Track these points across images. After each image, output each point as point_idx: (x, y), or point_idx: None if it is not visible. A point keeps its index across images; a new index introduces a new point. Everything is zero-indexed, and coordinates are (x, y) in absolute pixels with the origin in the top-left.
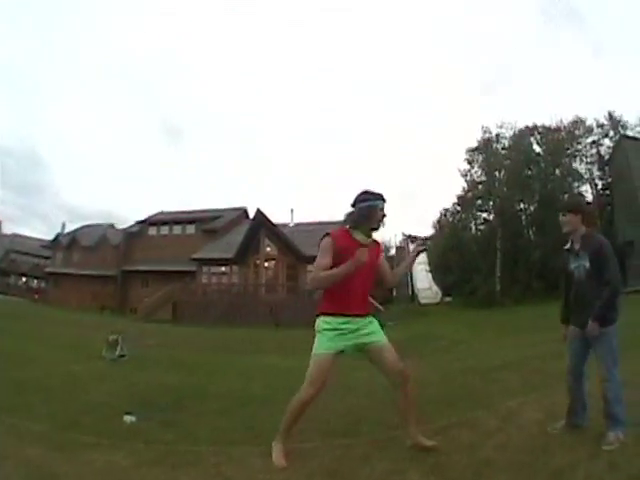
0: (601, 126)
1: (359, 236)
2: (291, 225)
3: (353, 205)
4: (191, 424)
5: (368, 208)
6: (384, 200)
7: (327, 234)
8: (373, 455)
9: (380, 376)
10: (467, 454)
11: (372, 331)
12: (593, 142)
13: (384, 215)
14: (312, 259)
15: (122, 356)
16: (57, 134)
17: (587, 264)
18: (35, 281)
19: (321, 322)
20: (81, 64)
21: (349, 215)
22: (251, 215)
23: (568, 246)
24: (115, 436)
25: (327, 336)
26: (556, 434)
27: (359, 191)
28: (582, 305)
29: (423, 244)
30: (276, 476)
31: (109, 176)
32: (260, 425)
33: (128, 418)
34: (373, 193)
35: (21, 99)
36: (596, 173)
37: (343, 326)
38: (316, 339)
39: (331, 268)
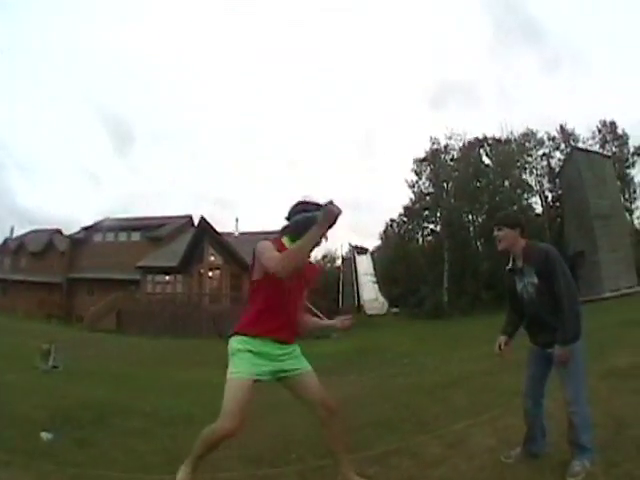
0: (552, 139)
1: None
2: (236, 234)
3: (288, 218)
4: (108, 445)
5: (305, 221)
6: (319, 209)
7: (264, 239)
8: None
9: None
10: None
11: (296, 357)
12: (544, 154)
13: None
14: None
15: (55, 367)
16: (8, 135)
17: (535, 280)
18: None
19: (235, 342)
20: (35, 63)
21: (284, 229)
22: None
23: (510, 265)
24: (29, 455)
25: (244, 358)
26: (511, 464)
27: (294, 202)
28: (540, 325)
29: (347, 323)
30: None
31: (58, 179)
32: (179, 448)
33: (45, 435)
34: (310, 203)
35: None
36: (546, 185)
37: (263, 349)
38: (230, 363)
39: (257, 286)
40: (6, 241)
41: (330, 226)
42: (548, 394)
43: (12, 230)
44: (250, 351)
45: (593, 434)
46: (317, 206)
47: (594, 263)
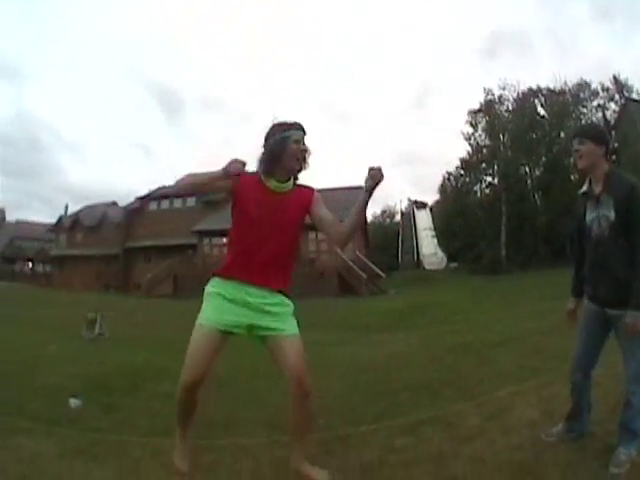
0: (606, 90)
1: (271, 183)
2: None
3: (264, 144)
4: (134, 409)
5: (277, 143)
6: (302, 129)
7: (238, 174)
8: (319, 460)
9: (364, 353)
10: (432, 468)
11: (280, 315)
12: (598, 106)
13: (304, 150)
14: (314, 226)
15: (101, 335)
16: (53, 115)
17: (611, 215)
18: (41, 266)
19: (209, 285)
20: (72, 41)
21: (260, 158)
22: None
23: (585, 189)
24: (53, 422)
25: (214, 303)
26: (550, 444)
27: (269, 125)
28: (602, 274)
29: (377, 174)
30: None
31: (110, 154)
32: (205, 410)
33: (73, 402)
34: (284, 123)
35: (11, 82)
36: None
37: (237, 295)
38: (202, 306)
39: (234, 224)
40: (60, 219)
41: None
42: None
43: (66, 208)
44: (222, 295)
45: None
46: (290, 126)
47: None
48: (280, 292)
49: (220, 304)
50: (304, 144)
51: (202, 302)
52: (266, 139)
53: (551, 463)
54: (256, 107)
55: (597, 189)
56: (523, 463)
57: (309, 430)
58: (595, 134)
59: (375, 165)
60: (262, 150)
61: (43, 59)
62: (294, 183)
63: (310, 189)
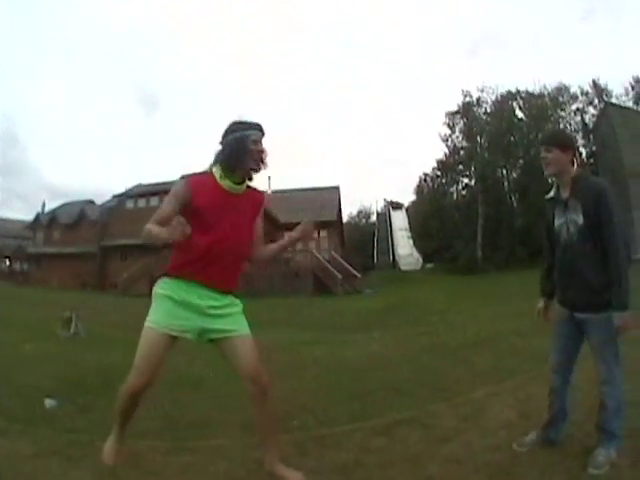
0: (586, 94)
1: (226, 183)
2: (268, 192)
3: (221, 142)
4: (109, 410)
5: (236, 141)
6: (260, 130)
7: (184, 177)
8: (292, 461)
9: (338, 353)
10: (408, 469)
11: (230, 316)
12: (577, 109)
13: (261, 151)
14: (289, 226)
15: (76, 334)
16: (31, 111)
17: (580, 219)
18: (19, 263)
19: (157, 286)
20: (52, 37)
21: (216, 156)
22: None
23: (552, 194)
24: (27, 422)
25: (163, 306)
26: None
27: (228, 123)
28: (570, 278)
29: (309, 229)
30: None
31: (87, 152)
32: (180, 414)
33: (48, 402)
34: (244, 122)
35: None
36: (580, 141)
37: (186, 297)
38: (151, 306)
39: (194, 230)
40: (38, 216)
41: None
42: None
43: (43, 205)
44: (171, 298)
45: (623, 419)
46: (249, 126)
47: (628, 222)
48: (231, 293)
49: (169, 308)
50: (262, 145)
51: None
52: (224, 137)
53: (529, 464)
54: (237, 103)
55: (565, 194)
56: (501, 464)
57: (277, 430)
58: (561, 141)
59: (309, 222)
60: (219, 148)
61: (20, 54)
62: (247, 185)
63: (261, 193)
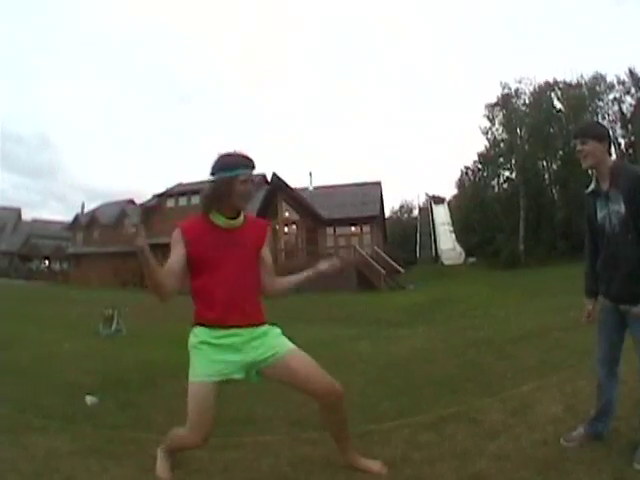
0: (622, 83)
1: (220, 220)
2: (310, 189)
3: (212, 174)
4: (150, 407)
5: (224, 183)
6: (249, 167)
7: (177, 225)
8: (338, 458)
9: (383, 348)
10: (457, 465)
11: (268, 342)
12: (614, 99)
13: (249, 191)
14: (332, 222)
15: (118, 331)
16: (64, 114)
17: (622, 208)
18: (58, 263)
19: (192, 335)
20: (81, 40)
21: (204, 193)
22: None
23: (592, 187)
24: (67, 419)
25: (200, 355)
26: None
27: (217, 155)
28: (616, 269)
29: (337, 268)
30: (216, 478)
31: (125, 152)
32: (220, 410)
33: (89, 399)
34: (231, 157)
35: (22, 82)
36: (618, 131)
37: (222, 341)
38: (190, 360)
39: (194, 274)
40: (77, 217)
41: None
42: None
43: (83, 206)
44: (206, 342)
45: None
46: (238, 163)
47: None
48: (261, 323)
49: (207, 354)
50: (250, 184)
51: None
52: (212, 173)
53: (576, 460)
54: (269, 101)
55: (605, 186)
56: (548, 459)
57: (348, 431)
58: (595, 132)
59: (340, 261)
60: (208, 185)
61: (54, 57)
62: (244, 215)
63: (264, 222)
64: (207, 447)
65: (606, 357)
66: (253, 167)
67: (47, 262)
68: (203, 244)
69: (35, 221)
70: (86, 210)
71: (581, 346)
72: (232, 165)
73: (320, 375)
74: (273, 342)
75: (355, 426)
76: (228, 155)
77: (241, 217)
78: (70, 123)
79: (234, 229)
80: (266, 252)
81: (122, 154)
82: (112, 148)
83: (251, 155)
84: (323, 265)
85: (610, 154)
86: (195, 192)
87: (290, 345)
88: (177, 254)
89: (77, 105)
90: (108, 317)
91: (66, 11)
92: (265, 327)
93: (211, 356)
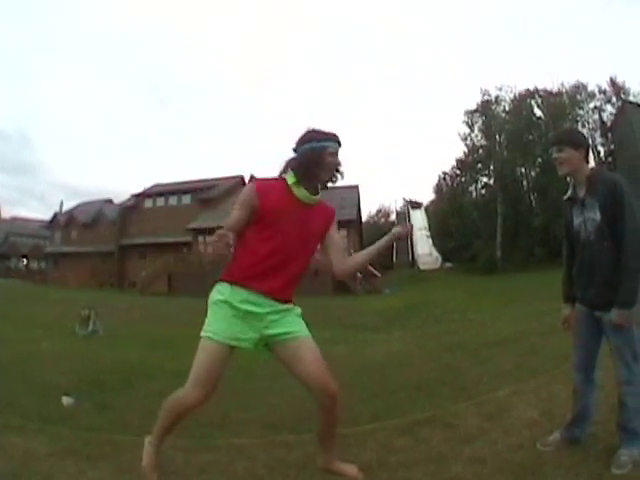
0: (603, 92)
1: (300, 192)
2: None
3: (295, 150)
4: (126, 408)
5: (313, 152)
6: (338, 142)
7: (254, 179)
8: (314, 461)
9: (359, 352)
10: (433, 469)
11: (287, 319)
12: (595, 107)
13: (337, 163)
14: None
15: (95, 331)
16: (45, 112)
17: (597, 216)
18: (36, 262)
19: (215, 291)
20: (63, 38)
21: (289, 162)
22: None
23: (569, 194)
24: (44, 419)
25: (219, 314)
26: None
27: (303, 131)
28: (591, 276)
29: (404, 234)
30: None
31: (104, 151)
32: (197, 411)
33: (66, 400)
34: (321, 132)
35: (3, 79)
36: (598, 140)
37: (244, 306)
38: (208, 315)
39: (255, 229)
40: (55, 215)
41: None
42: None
43: (61, 204)
44: (228, 303)
45: None
46: (327, 136)
47: None
48: (288, 302)
49: (228, 316)
50: (338, 157)
51: (201, 302)
52: (299, 145)
53: (553, 464)
54: (252, 102)
55: (581, 193)
56: (525, 464)
57: (336, 433)
58: (572, 139)
59: (407, 226)
60: (294, 156)
61: (38, 54)
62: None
63: (332, 207)
64: (182, 449)
65: (582, 363)
66: (339, 143)
67: (25, 261)
68: (273, 205)
69: (14, 219)
70: (65, 209)
71: (558, 351)
72: (320, 137)
73: (321, 372)
74: (292, 321)
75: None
76: (315, 130)
77: (318, 196)
78: (51, 122)
79: (310, 205)
80: (336, 235)
81: (101, 153)
82: (91, 147)
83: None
84: (396, 230)
85: (587, 162)
86: (172, 193)
87: (307, 332)
88: (238, 217)
89: (58, 103)
90: (85, 317)
91: (53, 8)
92: (289, 305)
93: (231, 318)
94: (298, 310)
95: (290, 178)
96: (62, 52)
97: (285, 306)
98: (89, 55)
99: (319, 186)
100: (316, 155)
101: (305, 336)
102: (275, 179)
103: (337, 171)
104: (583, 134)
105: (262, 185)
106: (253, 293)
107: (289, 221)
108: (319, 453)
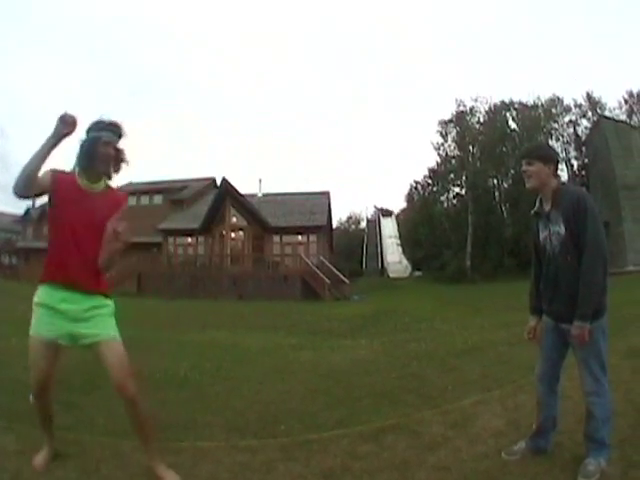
0: (579, 106)
1: (82, 182)
2: (259, 195)
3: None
4: (93, 408)
5: (86, 142)
6: (114, 132)
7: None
8: (277, 466)
9: (326, 358)
10: (396, 476)
11: (94, 319)
12: (570, 121)
13: (110, 154)
14: (279, 230)
15: None
16: (18, 104)
17: (562, 230)
18: (7, 257)
19: (35, 294)
20: (36, 26)
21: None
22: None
23: (536, 208)
24: (11, 417)
25: (36, 314)
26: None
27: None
28: (556, 289)
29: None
30: None
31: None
32: (166, 413)
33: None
34: (100, 122)
35: None
36: (572, 153)
37: (53, 303)
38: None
39: (50, 225)
40: (28, 210)
41: (65, 135)
42: (564, 371)
43: (34, 199)
44: (41, 305)
45: (612, 428)
46: (104, 127)
47: (618, 234)
48: (97, 293)
49: (41, 315)
50: (115, 147)
51: (169, 302)
52: (84, 134)
53: (518, 473)
54: (232, 103)
55: (547, 207)
56: (489, 473)
57: (152, 436)
58: (542, 154)
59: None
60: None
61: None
62: (107, 184)
63: (123, 195)
64: (129, 449)
65: (546, 374)
66: (119, 135)
67: None
68: (65, 199)
69: None
70: (37, 204)
71: (525, 361)
72: (97, 127)
73: (121, 376)
74: (101, 323)
75: (294, 435)
76: (97, 120)
77: (101, 183)
78: (25, 114)
79: (93, 194)
80: (112, 223)
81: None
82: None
83: (121, 125)
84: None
85: (556, 176)
86: (144, 192)
87: (111, 333)
88: (45, 178)
89: (33, 96)
90: None
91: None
92: (98, 299)
93: (44, 317)
94: (109, 308)
95: (75, 168)
96: (32, 37)
97: (92, 301)
98: (56, 42)
99: (104, 176)
100: (88, 145)
101: (110, 338)
102: (68, 173)
103: (121, 161)
104: (554, 149)
105: (61, 178)
106: (57, 290)
107: (73, 210)
108: (146, 455)
